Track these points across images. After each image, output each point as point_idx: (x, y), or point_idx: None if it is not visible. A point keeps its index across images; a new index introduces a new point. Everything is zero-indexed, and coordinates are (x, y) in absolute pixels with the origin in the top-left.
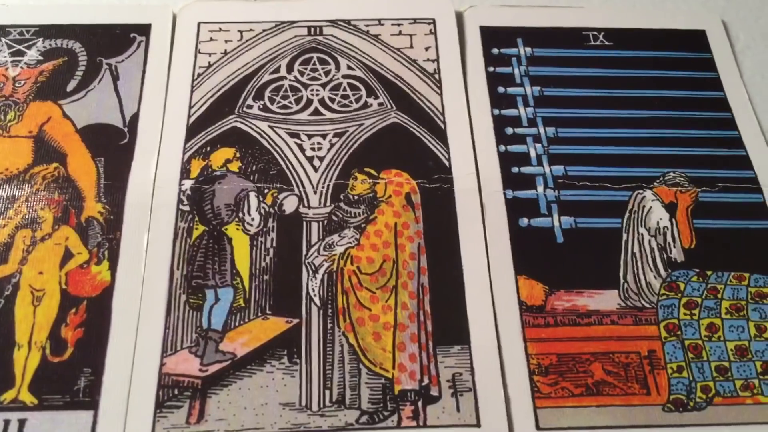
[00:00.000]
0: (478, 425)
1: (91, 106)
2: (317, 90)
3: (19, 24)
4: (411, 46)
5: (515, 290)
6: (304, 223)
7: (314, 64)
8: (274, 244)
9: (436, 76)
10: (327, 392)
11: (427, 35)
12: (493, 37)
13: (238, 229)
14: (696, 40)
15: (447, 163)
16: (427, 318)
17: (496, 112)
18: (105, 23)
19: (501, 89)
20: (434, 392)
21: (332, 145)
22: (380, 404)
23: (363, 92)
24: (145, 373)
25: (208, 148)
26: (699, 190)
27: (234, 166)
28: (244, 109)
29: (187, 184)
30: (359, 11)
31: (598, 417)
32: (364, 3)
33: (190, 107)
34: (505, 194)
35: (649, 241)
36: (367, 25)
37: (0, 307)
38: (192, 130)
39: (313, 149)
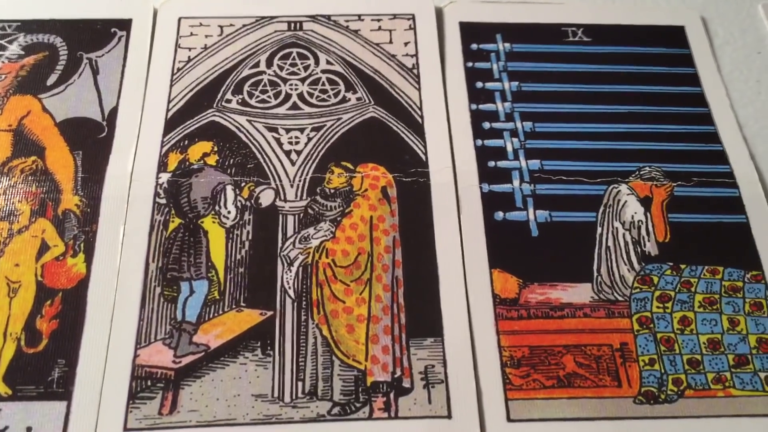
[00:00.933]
0: (449, 417)
1: (70, 100)
2: (296, 84)
3: (0, 19)
4: (390, 42)
5: (489, 283)
6: (281, 216)
7: (294, 59)
8: (250, 237)
9: (415, 71)
10: (299, 384)
11: (406, 30)
12: (472, 32)
13: (214, 222)
14: (675, 36)
15: (424, 157)
16: (400, 310)
17: (474, 106)
18: (86, 18)
19: (479, 84)
20: (406, 384)
21: (310, 139)
22: (352, 396)
23: (342, 87)
24: (119, 364)
25: (186, 142)
26: (674, 184)
27: (211, 160)
28: (223, 103)
29: (164, 177)
30: (339, 6)
31: (569, 409)
32: None
33: (169, 101)
34: (481, 188)
35: (624, 234)
36: (347, 21)
37: None
38: (170, 124)
39: (290, 143)
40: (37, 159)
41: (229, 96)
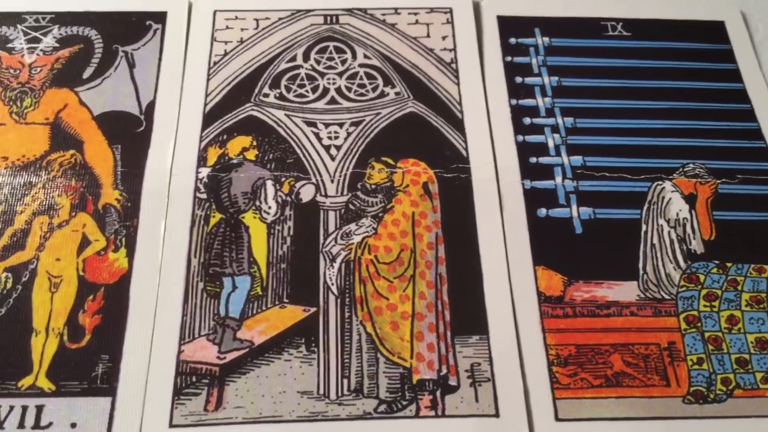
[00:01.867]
0: (497, 415)
1: (107, 94)
2: (334, 79)
3: (34, 11)
4: (428, 36)
5: (534, 281)
6: (321, 211)
7: (330, 52)
8: (292, 233)
9: (453, 65)
10: (345, 381)
11: (444, 24)
12: (510, 26)
13: (255, 217)
14: (715, 31)
15: (464, 152)
16: (444, 308)
17: (514, 102)
18: (121, 10)
19: (518, 79)
20: (453, 382)
21: (349, 134)
22: (398, 393)
23: (380, 81)
24: (163, 360)
25: (225, 136)
26: (718, 181)
27: (251, 155)
28: (261, 97)
29: (204, 171)
30: (375, 0)
31: (617, 408)
32: None
33: (207, 95)
34: (523, 184)
35: (669, 232)
36: (383, 14)
37: (17, 293)
38: (208, 118)
39: (329, 138)
40: (75, 153)
41: (266, 90)
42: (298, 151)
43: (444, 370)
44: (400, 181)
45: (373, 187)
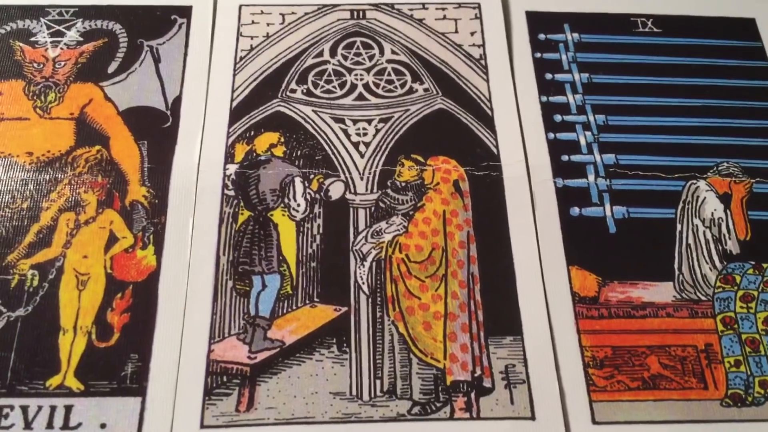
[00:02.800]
0: (533, 418)
1: (132, 89)
2: (361, 74)
3: (58, 4)
4: (456, 31)
5: (567, 281)
6: (351, 209)
7: (358, 48)
8: (321, 231)
9: (482, 61)
10: (377, 382)
11: (472, 20)
12: (539, 22)
13: (283, 214)
14: (746, 28)
15: (495, 150)
16: (477, 308)
17: (544, 98)
18: (145, 4)
19: (548, 76)
20: (487, 384)
21: (378, 131)
22: (432, 395)
23: (408, 77)
24: (193, 359)
25: (252, 133)
26: (753, 180)
27: (278, 151)
28: (288, 93)
29: (232, 168)
30: None
31: (655, 411)
32: None
33: (233, 91)
34: (555, 183)
35: (704, 232)
36: (410, 9)
37: (44, 291)
38: (235, 114)
39: (358, 134)
40: (101, 148)
41: (293, 86)
42: (327, 147)
43: (478, 372)
44: (431, 178)
45: (403, 184)
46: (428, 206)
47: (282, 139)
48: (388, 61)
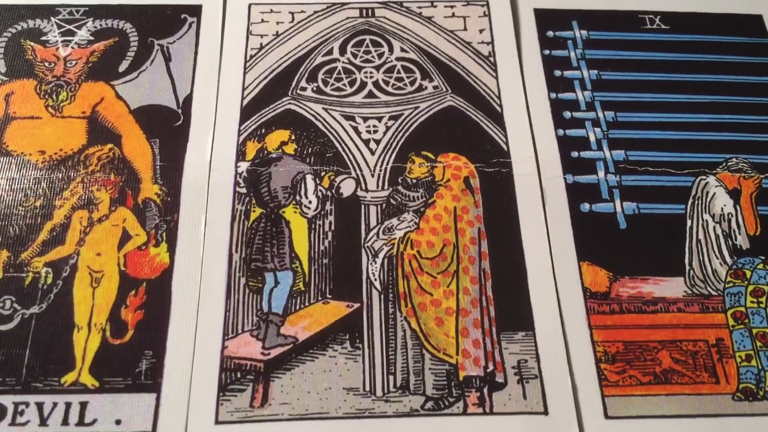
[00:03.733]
0: (545, 413)
1: (144, 87)
2: (371, 72)
3: (68, 3)
4: (465, 29)
5: (579, 276)
6: (362, 206)
7: (367, 46)
8: (333, 228)
9: (491, 59)
10: (391, 377)
11: (480, 17)
12: (547, 19)
13: (295, 212)
14: (753, 24)
15: (505, 147)
16: (489, 303)
17: (553, 95)
18: (155, 4)
19: (557, 72)
20: (500, 379)
21: (388, 128)
22: (445, 390)
23: (417, 75)
24: (207, 355)
25: (263, 130)
26: (762, 176)
27: (289, 149)
28: (298, 91)
29: (243, 166)
30: None
31: (667, 406)
32: None
33: (244, 89)
34: (565, 179)
35: (714, 227)
36: (419, 7)
37: (58, 288)
38: (246, 112)
39: (368, 132)
40: (113, 147)
41: (303, 84)
42: (337, 145)
43: (490, 367)
44: (441, 175)
45: (414, 181)
46: (439, 203)
47: (293, 137)
48: (398, 59)
